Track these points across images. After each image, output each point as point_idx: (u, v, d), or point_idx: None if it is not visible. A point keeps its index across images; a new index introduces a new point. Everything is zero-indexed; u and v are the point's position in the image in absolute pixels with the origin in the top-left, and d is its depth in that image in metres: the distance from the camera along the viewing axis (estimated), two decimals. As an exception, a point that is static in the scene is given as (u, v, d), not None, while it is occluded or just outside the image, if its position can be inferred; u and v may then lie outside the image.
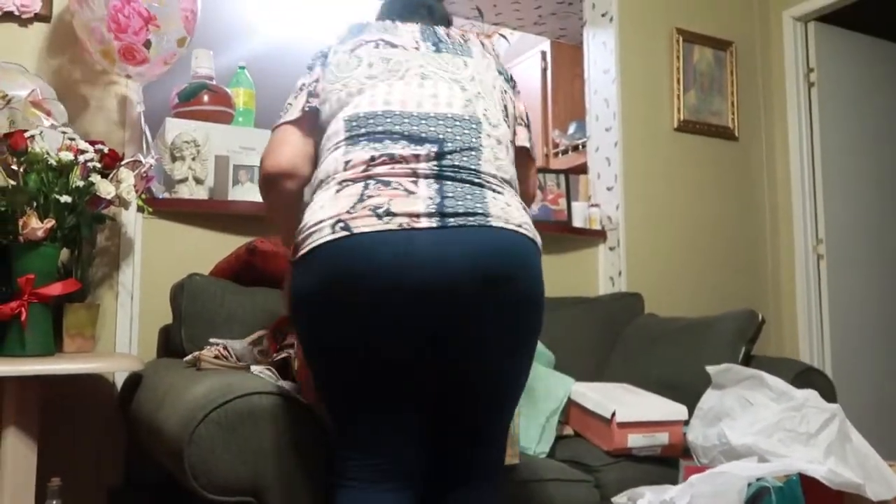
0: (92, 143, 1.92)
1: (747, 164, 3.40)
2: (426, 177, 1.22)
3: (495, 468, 1.36)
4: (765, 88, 3.50)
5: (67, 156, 1.80)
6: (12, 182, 1.77)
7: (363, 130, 1.27)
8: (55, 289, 1.75)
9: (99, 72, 2.18)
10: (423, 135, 1.25)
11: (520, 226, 1.24)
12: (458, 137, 1.27)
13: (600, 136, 3.16)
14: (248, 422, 1.37)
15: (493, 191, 1.25)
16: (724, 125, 3.33)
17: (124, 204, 1.94)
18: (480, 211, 1.20)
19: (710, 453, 1.73)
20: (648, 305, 2.89)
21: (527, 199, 1.55)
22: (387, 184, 1.20)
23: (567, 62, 3.96)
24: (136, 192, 1.98)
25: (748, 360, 2.16)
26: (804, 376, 2.03)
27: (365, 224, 1.16)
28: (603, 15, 3.18)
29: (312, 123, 1.40)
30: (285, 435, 1.38)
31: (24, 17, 2.11)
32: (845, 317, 3.30)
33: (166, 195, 2.31)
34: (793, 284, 3.35)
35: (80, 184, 1.83)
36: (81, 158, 1.83)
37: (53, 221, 1.75)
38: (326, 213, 1.21)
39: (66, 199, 1.79)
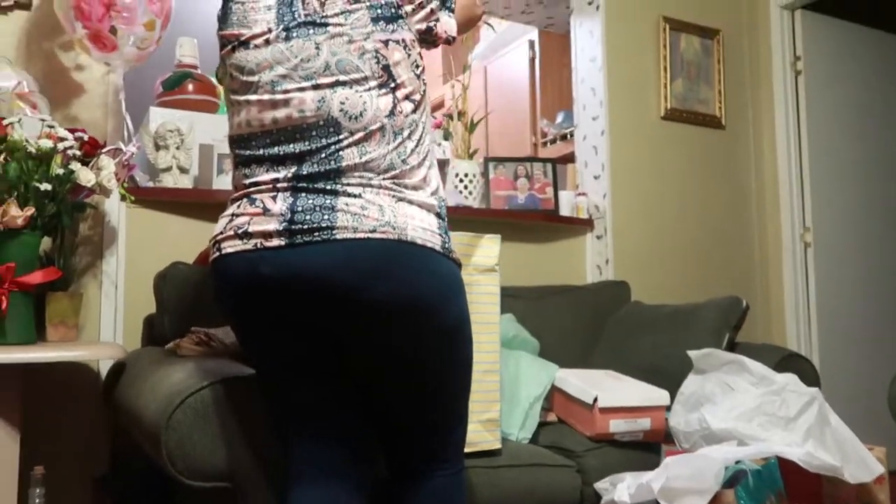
0: (72, 130, 1.92)
1: (734, 152, 3.40)
2: (284, 190, 1.23)
3: (438, 463, 1.37)
4: (752, 77, 3.50)
5: (47, 143, 1.79)
6: (-8, 170, 1.76)
7: (237, 152, 1.32)
8: (35, 277, 1.75)
9: (80, 60, 2.17)
10: (282, 153, 1.25)
11: (373, 231, 1.19)
12: (314, 146, 1.23)
13: (587, 124, 3.15)
14: (224, 407, 1.37)
15: (350, 195, 1.21)
16: (712, 114, 3.33)
17: (105, 192, 1.93)
18: (326, 224, 1.18)
19: (691, 438, 1.74)
20: (636, 294, 2.89)
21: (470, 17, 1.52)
22: (252, 201, 1.25)
23: (555, 51, 3.95)
24: (118, 180, 1.97)
25: (732, 347, 2.16)
26: (787, 362, 2.04)
27: (230, 245, 1.25)
28: (590, 3, 3.17)
29: None
30: (262, 420, 1.38)
31: (3, 4, 2.09)
32: (832, 304, 3.31)
33: (150, 184, 2.30)
34: (780, 273, 3.36)
35: (60, 172, 1.82)
36: (61, 146, 1.82)
37: (33, 209, 1.74)
38: (215, 230, 1.31)
39: (45, 186, 1.78)
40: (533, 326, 2.40)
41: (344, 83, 1.24)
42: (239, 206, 1.28)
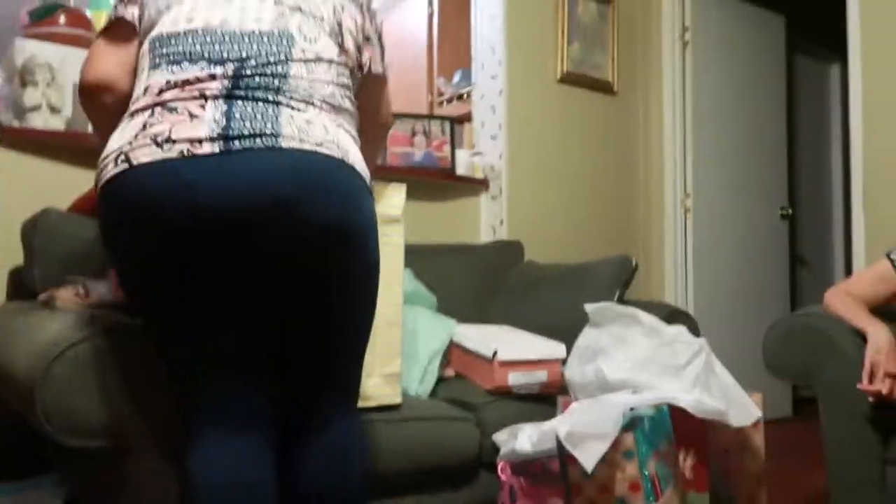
0: (-77, 57, 1.70)
1: (625, 118, 3.49)
2: (215, 97, 1.13)
3: (340, 408, 1.31)
4: (644, 45, 3.58)
5: None
6: None
7: (164, 52, 1.19)
8: None
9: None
10: (224, 54, 1.16)
11: (319, 144, 1.14)
12: (262, 53, 1.17)
13: (485, 83, 3.14)
14: (109, 359, 1.27)
15: (293, 108, 1.16)
16: (605, 79, 3.39)
17: (-36, 127, 1.73)
18: (270, 131, 1.11)
19: (587, 389, 1.78)
20: (529, 253, 2.93)
21: (379, 126, 1.51)
22: (172, 109, 1.13)
23: (454, 8, 3.89)
24: (-21, 115, 1.77)
25: (622, 304, 2.23)
26: (672, 317, 2.12)
27: (144, 154, 1.10)
28: (490, -40, 3.13)
29: (128, 31, 1.28)
30: (148, 374, 1.29)
31: None
32: (707, 265, 3.50)
33: (16, 123, 2.09)
34: (662, 235, 3.51)
35: None
36: None
37: None
38: (113, 146, 1.15)
39: None
40: (428, 283, 2.38)
41: (304, 12, 1.24)
42: (152, 116, 1.13)
